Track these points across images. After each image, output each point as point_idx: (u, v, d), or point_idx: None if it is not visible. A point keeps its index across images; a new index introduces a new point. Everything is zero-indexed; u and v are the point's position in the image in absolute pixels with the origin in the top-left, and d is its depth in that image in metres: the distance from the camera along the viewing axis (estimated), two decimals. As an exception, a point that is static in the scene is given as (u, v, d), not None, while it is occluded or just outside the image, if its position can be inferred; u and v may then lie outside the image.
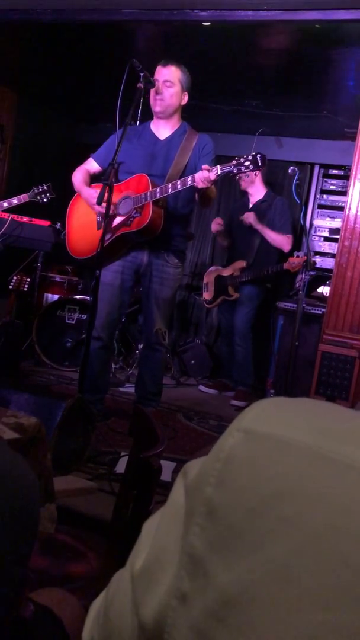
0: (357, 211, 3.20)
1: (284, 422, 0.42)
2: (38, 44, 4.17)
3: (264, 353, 4.20)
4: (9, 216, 4.18)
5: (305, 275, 3.59)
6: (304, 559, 0.36)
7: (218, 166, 2.72)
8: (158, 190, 2.84)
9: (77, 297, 4.48)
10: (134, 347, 4.70)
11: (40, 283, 4.57)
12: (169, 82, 2.96)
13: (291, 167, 3.60)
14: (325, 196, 5.18)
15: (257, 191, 4.40)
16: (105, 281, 2.96)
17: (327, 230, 5.16)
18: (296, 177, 3.60)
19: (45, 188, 3.99)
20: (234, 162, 2.71)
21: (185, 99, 3.05)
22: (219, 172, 2.70)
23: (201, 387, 4.52)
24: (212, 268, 4.69)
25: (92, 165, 3.19)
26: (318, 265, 4.97)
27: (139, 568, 0.48)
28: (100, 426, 2.93)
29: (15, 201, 4.02)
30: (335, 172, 5.12)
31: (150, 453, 1.03)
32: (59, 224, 4.37)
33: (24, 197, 4.00)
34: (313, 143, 5.06)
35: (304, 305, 3.54)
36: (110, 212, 2.79)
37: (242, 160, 2.69)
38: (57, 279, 4.70)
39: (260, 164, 2.68)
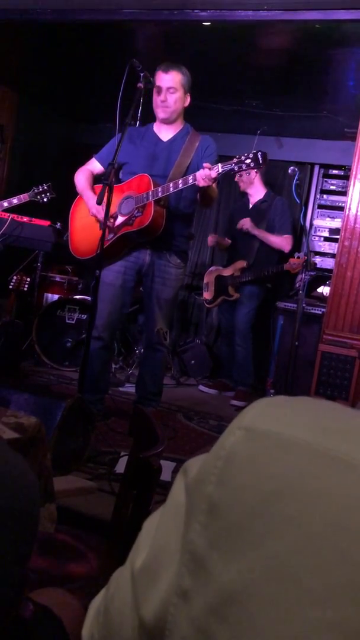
0: (357, 211, 3.20)
1: (284, 420, 0.42)
2: (38, 44, 4.17)
3: (264, 353, 4.20)
4: (9, 216, 4.18)
5: (305, 276, 3.59)
6: (304, 557, 0.36)
7: (219, 164, 2.72)
8: (160, 189, 2.84)
9: (77, 297, 4.48)
10: (134, 348, 4.70)
11: (40, 283, 4.57)
12: (172, 89, 2.95)
13: (291, 167, 3.60)
14: (325, 196, 5.18)
15: (256, 192, 4.40)
16: (106, 281, 2.96)
17: (327, 230, 5.16)
18: (296, 177, 3.60)
19: (45, 188, 4.00)
20: (235, 160, 2.71)
21: (188, 100, 3.05)
22: (220, 169, 2.71)
23: (201, 387, 4.52)
24: (212, 268, 4.69)
25: (95, 165, 3.19)
26: (318, 266, 4.97)
27: (140, 566, 0.48)
28: (100, 426, 2.93)
29: (15, 201, 4.02)
30: (335, 172, 5.12)
31: (150, 453, 1.03)
32: (59, 224, 4.37)
33: (24, 197, 4.01)
34: (313, 143, 5.06)
35: (304, 305, 3.54)
36: (112, 212, 2.79)
37: (243, 158, 2.69)
38: (57, 279, 4.70)
39: (261, 161, 2.69)
